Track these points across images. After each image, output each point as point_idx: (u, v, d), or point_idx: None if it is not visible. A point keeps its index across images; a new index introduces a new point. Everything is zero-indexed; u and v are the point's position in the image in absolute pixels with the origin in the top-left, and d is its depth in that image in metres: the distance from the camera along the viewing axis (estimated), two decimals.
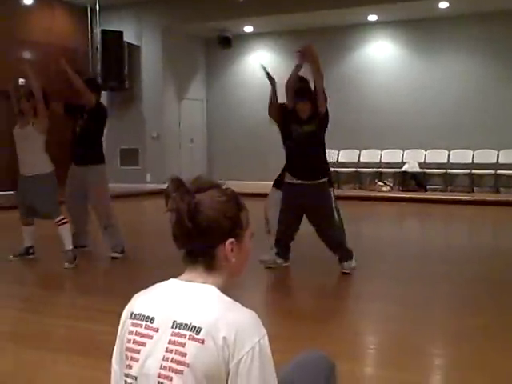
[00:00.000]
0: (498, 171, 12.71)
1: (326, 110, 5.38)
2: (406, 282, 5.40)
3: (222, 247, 1.47)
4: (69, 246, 5.91)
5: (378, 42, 14.12)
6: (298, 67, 5.45)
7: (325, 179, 5.50)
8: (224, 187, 1.51)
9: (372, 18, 13.53)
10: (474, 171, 12.78)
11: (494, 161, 12.87)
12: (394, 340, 3.88)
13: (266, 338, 1.39)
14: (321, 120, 5.40)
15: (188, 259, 1.50)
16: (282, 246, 5.74)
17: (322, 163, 5.60)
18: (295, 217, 5.59)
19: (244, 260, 1.54)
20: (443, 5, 12.30)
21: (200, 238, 1.45)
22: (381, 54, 14.09)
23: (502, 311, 4.43)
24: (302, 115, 5.43)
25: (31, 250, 6.21)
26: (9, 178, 12.67)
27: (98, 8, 13.86)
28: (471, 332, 3.93)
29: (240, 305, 1.43)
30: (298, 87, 5.46)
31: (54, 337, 3.93)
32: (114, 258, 6.23)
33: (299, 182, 5.47)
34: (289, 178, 5.57)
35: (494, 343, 3.69)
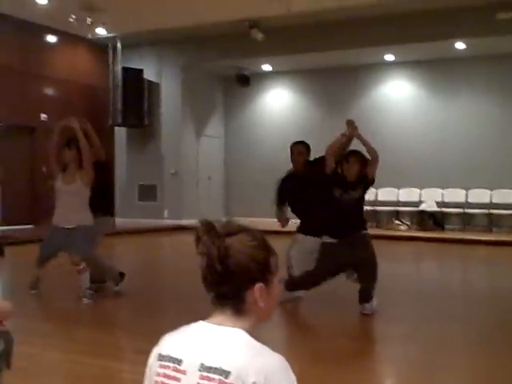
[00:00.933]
0: None
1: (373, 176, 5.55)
2: (427, 323, 5.34)
3: (251, 292, 1.47)
4: (86, 284, 5.94)
5: (394, 81, 14.23)
6: (343, 137, 5.64)
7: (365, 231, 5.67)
8: (254, 231, 1.52)
9: (388, 57, 13.67)
10: (492, 211, 12.70)
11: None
12: None
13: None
14: (367, 186, 5.59)
15: (217, 302, 1.50)
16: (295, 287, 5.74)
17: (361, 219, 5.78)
18: (328, 275, 5.58)
19: (273, 305, 1.53)
20: (460, 45, 12.40)
21: (229, 282, 1.46)
22: (397, 94, 14.18)
23: None
24: (349, 178, 5.51)
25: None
26: (29, 213, 12.83)
27: (119, 46, 14.13)
28: (493, 376, 3.87)
29: (269, 349, 1.42)
30: (352, 150, 5.71)
31: (72, 373, 3.92)
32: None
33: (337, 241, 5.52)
34: (327, 239, 5.57)
35: None
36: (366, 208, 14.16)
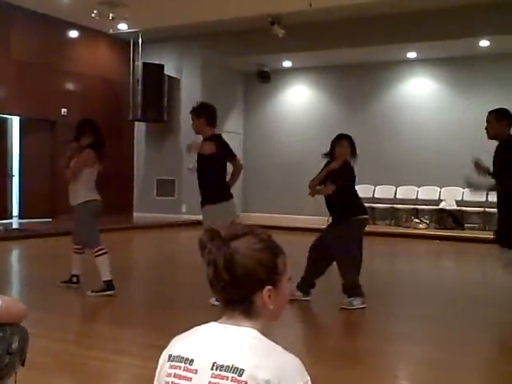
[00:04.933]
0: None
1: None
2: (443, 323, 5.29)
3: (259, 294, 1.45)
4: (105, 276, 5.95)
5: (417, 79, 14.11)
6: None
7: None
8: (260, 232, 1.49)
9: (411, 55, 13.55)
10: None
11: None
12: None
13: (310, 383, 1.38)
14: None
15: (226, 306, 1.49)
16: (310, 281, 5.82)
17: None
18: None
19: (282, 305, 1.52)
20: (484, 43, 12.26)
21: (237, 287, 1.44)
22: (420, 91, 14.06)
23: None
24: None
25: (75, 279, 6.25)
26: (49, 206, 12.95)
27: (140, 42, 14.19)
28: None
29: (282, 348, 1.42)
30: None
31: (88, 369, 3.94)
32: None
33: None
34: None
35: None
36: (384, 205, 14.19)
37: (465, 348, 4.60)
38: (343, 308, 5.53)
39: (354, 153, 5.81)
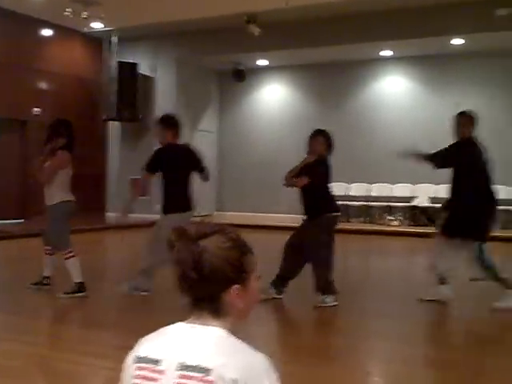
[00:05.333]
0: (510, 207, 12.66)
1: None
2: (415, 320, 5.34)
3: (227, 293, 1.45)
4: (77, 278, 5.88)
5: (391, 77, 14.21)
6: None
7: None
8: (228, 231, 1.49)
9: (385, 53, 13.64)
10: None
11: (505, 196, 12.81)
12: (405, 382, 3.82)
13: (279, 382, 1.38)
14: None
15: (194, 306, 1.48)
16: (285, 279, 5.84)
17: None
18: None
19: (251, 303, 1.52)
20: (456, 41, 12.39)
21: (205, 286, 1.44)
22: (394, 89, 14.17)
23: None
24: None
25: (46, 281, 6.16)
26: (20, 207, 12.78)
27: (114, 40, 14.07)
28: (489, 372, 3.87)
29: (251, 347, 1.41)
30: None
31: (59, 372, 3.90)
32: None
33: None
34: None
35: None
36: (358, 203, 14.26)
37: (437, 344, 4.65)
38: (316, 306, 5.55)
39: (329, 148, 5.81)
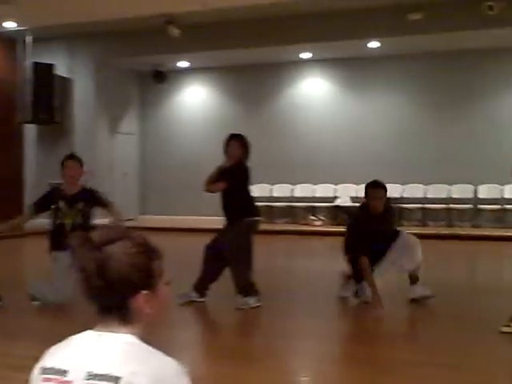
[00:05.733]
0: (426, 205, 13.11)
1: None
2: (335, 318, 5.43)
3: (135, 299, 1.42)
4: None
5: (311, 79, 14.42)
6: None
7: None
8: (135, 236, 1.45)
9: (305, 55, 13.83)
10: (403, 205, 13.10)
11: (422, 195, 13.28)
12: (330, 380, 3.86)
13: None
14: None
15: (101, 313, 1.44)
16: (206, 282, 5.81)
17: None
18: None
19: (161, 309, 1.49)
20: (373, 44, 12.72)
21: (111, 293, 1.40)
22: (314, 91, 14.39)
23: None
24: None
25: None
26: None
27: (28, 40, 13.60)
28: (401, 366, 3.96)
29: (161, 353, 1.39)
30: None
31: None
32: None
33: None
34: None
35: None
36: (282, 204, 14.41)
37: (360, 340, 4.73)
38: (239, 308, 5.54)
39: (245, 153, 5.82)
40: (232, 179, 5.65)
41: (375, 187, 5.70)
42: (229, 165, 5.71)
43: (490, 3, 10.33)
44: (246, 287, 5.61)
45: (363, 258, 5.44)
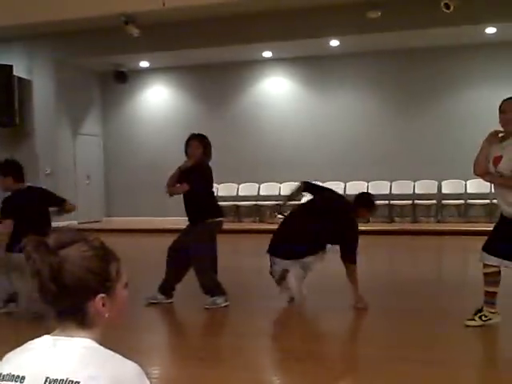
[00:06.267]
0: (392, 201, 13.24)
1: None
2: (303, 316, 5.42)
3: (92, 303, 1.39)
4: None
5: (273, 77, 14.43)
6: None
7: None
8: (90, 239, 1.42)
9: (267, 54, 13.83)
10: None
11: (387, 192, 13.39)
12: (298, 378, 3.84)
13: None
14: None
15: (58, 318, 1.41)
16: (171, 283, 5.75)
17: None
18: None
19: (119, 312, 1.46)
20: (334, 43, 12.79)
21: (66, 298, 1.37)
22: (277, 90, 14.40)
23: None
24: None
25: None
26: None
27: None
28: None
29: (121, 356, 1.36)
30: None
31: None
32: None
33: None
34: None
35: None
36: (248, 203, 14.35)
37: (327, 338, 4.72)
38: (207, 308, 5.49)
39: (206, 152, 5.76)
40: (194, 181, 5.59)
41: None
42: (189, 165, 5.66)
43: (446, 1, 10.45)
44: (213, 287, 5.56)
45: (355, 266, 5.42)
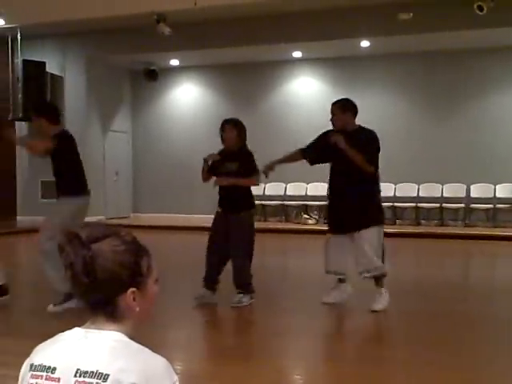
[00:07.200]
0: (419, 204, 13.14)
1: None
2: (328, 317, 5.42)
3: (123, 297, 1.41)
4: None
5: (302, 78, 14.41)
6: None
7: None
8: (123, 234, 1.44)
9: (296, 54, 13.82)
10: (396, 204, 13.10)
11: (415, 194, 13.30)
12: (323, 377, 3.85)
13: None
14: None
15: (89, 310, 1.43)
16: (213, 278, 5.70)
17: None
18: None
19: (149, 306, 1.48)
20: (364, 44, 12.73)
21: (99, 291, 1.39)
22: (306, 90, 14.38)
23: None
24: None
25: None
26: None
27: (19, 38, 13.53)
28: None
29: (149, 351, 1.38)
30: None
31: None
32: None
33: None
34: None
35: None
36: (274, 202, 14.36)
37: (350, 339, 4.72)
38: (233, 306, 5.50)
39: (242, 135, 5.70)
40: (247, 170, 5.62)
41: None
42: (218, 158, 5.64)
43: (479, 3, 10.34)
44: (245, 285, 5.51)
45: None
